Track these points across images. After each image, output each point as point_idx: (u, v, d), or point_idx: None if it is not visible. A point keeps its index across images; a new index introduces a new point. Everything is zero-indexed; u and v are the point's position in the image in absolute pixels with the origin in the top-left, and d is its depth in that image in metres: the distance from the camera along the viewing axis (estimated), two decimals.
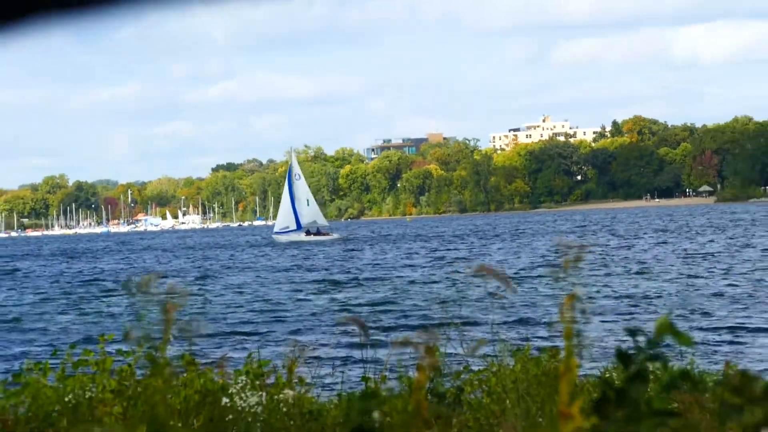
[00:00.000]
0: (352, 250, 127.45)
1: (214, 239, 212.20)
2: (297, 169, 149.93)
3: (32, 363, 16.43)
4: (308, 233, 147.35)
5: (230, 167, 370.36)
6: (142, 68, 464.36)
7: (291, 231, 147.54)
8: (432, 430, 7.85)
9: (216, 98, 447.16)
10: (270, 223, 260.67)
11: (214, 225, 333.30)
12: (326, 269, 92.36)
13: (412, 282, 73.18)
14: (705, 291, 57.47)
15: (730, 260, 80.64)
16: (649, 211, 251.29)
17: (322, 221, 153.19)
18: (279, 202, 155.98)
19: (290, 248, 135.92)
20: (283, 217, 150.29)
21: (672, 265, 77.45)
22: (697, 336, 37.51)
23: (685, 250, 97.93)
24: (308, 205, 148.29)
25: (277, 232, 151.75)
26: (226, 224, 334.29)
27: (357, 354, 16.85)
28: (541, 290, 58.97)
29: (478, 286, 53.34)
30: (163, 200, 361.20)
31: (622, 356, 6.68)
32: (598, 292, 57.01)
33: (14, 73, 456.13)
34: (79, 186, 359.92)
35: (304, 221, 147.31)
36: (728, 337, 39.14)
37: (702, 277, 67.24)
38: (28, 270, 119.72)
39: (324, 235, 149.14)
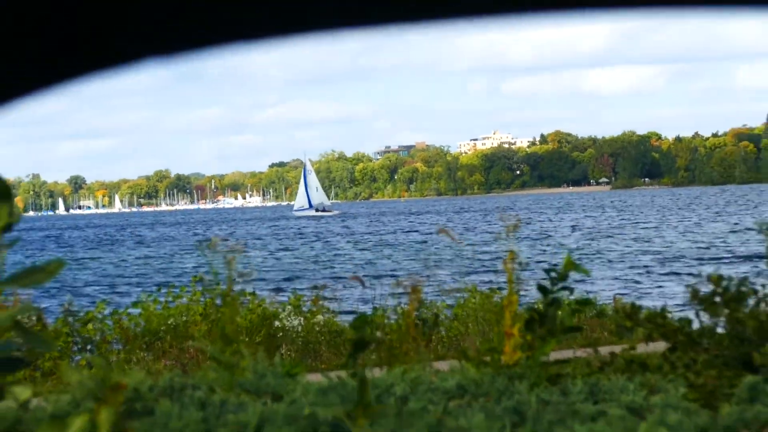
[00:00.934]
0: (375, 222, 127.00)
1: (270, 213, 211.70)
2: (309, 166, 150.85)
3: (146, 295, 16.33)
4: (317, 210, 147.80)
5: (281, 164, 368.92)
6: (221, 96, 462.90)
7: (305, 209, 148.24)
8: (417, 344, 7.74)
9: (271, 118, 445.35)
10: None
11: (270, 204, 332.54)
12: (351, 234, 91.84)
13: (404, 241, 72.87)
14: (614, 249, 57.02)
15: (628, 229, 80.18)
16: (567, 196, 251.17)
17: (326, 202, 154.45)
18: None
19: (320, 220, 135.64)
20: (300, 199, 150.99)
21: (596, 231, 76.86)
22: (604, 279, 37.17)
23: (594, 223, 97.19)
24: (317, 191, 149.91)
25: (296, 210, 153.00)
26: (278, 203, 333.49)
27: (369, 292, 16.74)
28: (494, 247, 58.23)
29: (448, 247, 53.01)
30: (235, 187, 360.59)
31: (541, 288, 6.55)
32: (535, 249, 56.53)
33: (139, 99, 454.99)
34: (179, 177, 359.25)
35: (314, 202, 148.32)
36: (626, 279, 38.83)
37: (609, 236, 66.68)
38: (141, 234, 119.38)
39: (328, 212, 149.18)
